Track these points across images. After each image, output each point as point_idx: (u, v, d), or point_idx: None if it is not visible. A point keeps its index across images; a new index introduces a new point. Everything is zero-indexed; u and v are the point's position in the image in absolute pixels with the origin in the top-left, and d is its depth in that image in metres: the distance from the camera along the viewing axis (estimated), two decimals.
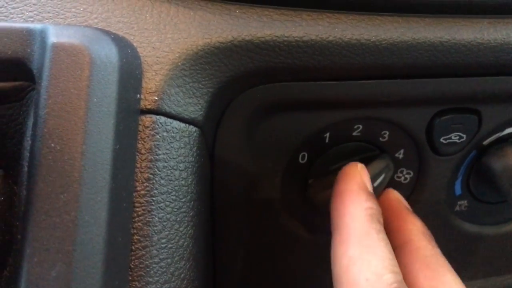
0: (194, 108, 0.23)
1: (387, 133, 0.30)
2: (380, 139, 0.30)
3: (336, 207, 0.25)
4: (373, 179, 0.29)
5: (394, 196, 0.30)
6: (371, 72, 0.25)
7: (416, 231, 0.26)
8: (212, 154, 0.27)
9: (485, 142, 0.31)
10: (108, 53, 0.19)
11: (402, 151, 0.31)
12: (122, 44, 0.20)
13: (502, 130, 0.31)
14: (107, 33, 0.20)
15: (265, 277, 0.33)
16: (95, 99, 0.18)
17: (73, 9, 0.22)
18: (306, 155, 0.30)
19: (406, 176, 0.32)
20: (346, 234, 0.24)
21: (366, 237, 0.23)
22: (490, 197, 0.34)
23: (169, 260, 0.21)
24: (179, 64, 0.22)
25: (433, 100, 0.28)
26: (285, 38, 0.23)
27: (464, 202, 0.34)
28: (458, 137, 0.29)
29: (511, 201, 0.32)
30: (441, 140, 0.29)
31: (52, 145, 0.17)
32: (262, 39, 0.23)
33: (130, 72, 0.20)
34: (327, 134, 0.29)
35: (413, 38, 0.24)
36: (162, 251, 0.20)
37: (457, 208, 0.34)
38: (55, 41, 0.18)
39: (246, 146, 0.28)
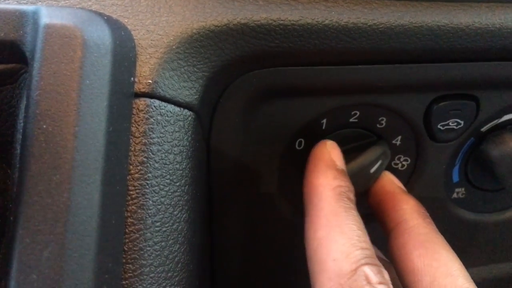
0: (189, 92, 0.22)
1: (385, 119, 0.29)
2: (378, 125, 0.30)
3: (305, 189, 0.25)
4: (369, 165, 0.29)
5: (387, 177, 0.29)
6: (368, 57, 0.25)
7: (409, 210, 0.26)
8: (208, 139, 0.27)
9: (483, 129, 0.31)
10: (101, 35, 0.19)
11: (399, 137, 0.30)
12: (115, 26, 0.20)
13: (500, 116, 0.31)
14: (101, 15, 0.20)
15: (262, 263, 0.33)
16: (87, 81, 0.18)
17: None
18: (303, 141, 0.29)
19: (404, 163, 0.31)
20: (315, 215, 0.23)
21: (333, 216, 0.23)
22: (488, 185, 0.34)
23: (163, 243, 0.21)
24: (174, 47, 0.22)
25: (430, 86, 0.28)
26: (281, 22, 0.23)
27: (461, 190, 0.33)
28: (455, 124, 0.29)
29: (509, 189, 0.32)
30: (439, 126, 0.29)
31: (44, 126, 0.17)
32: (257, 22, 0.23)
33: (124, 54, 0.20)
34: (324, 120, 0.29)
35: (410, 22, 0.24)
36: (156, 234, 0.20)
37: (455, 195, 0.34)
38: (47, 23, 0.18)
39: (242, 131, 0.28)
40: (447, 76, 0.27)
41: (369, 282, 0.21)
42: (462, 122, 0.29)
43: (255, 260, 0.33)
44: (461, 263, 0.24)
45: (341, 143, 0.30)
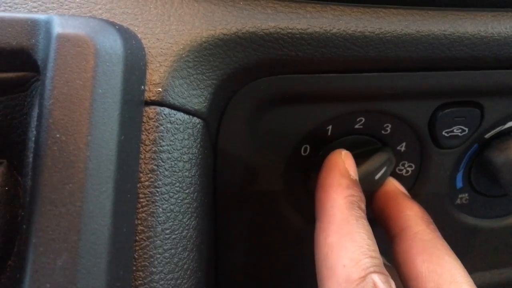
0: (198, 100, 0.23)
1: (389, 126, 0.30)
2: (382, 132, 0.30)
3: (318, 195, 0.26)
4: (375, 171, 0.29)
5: (392, 183, 0.30)
6: (375, 65, 0.25)
7: (413, 216, 0.27)
8: (215, 146, 0.27)
9: (487, 136, 0.31)
10: (113, 44, 0.19)
11: (404, 144, 0.31)
12: (126, 35, 0.20)
13: (504, 123, 0.31)
14: (112, 24, 0.20)
15: (267, 268, 0.33)
16: (100, 90, 0.18)
17: (77, 0, 0.22)
18: (309, 147, 0.30)
19: (408, 169, 0.32)
20: (327, 222, 0.24)
21: (345, 224, 0.23)
22: (491, 191, 0.34)
23: (172, 250, 0.21)
24: (183, 55, 0.22)
25: (435, 93, 0.28)
26: (289, 30, 0.23)
27: (465, 195, 0.34)
28: (460, 131, 0.29)
29: None
30: (443, 133, 0.29)
31: (58, 135, 0.17)
32: (266, 31, 0.23)
33: (135, 63, 0.20)
34: (330, 127, 0.29)
35: (417, 31, 0.24)
36: (166, 241, 0.21)
37: (458, 201, 0.34)
38: (60, 32, 0.18)
39: (249, 138, 0.28)
40: (452, 83, 0.27)
41: None
42: (466, 129, 0.29)
43: (259, 266, 0.33)
44: (465, 270, 0.24)
45: (346, 150, 0.30)
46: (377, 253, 0.23)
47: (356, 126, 0.30)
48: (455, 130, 0.29)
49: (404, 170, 0.32)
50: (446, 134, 0.29)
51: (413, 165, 0.32)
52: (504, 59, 0.26)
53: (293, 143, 0.29)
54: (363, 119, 0.29)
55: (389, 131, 0.30)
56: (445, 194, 0.33)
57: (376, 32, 0.24)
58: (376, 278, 0.21)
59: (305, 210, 0.32)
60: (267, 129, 0.28)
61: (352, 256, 0.22)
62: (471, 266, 0.37)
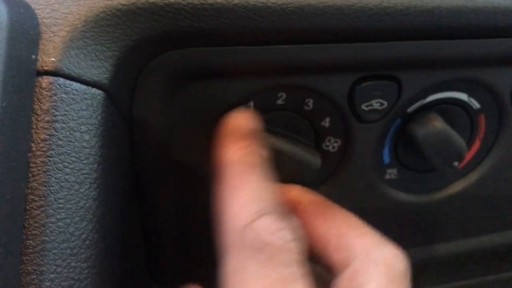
0: (98, 71, 0.23)
1: (311, 101, 0.30)
2: (305, 107, 0.30)
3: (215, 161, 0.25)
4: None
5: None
6: (283, 37, 0.25)
7: (303, 192, 0.27)
8: (130, 121, 0.27)
9: (409, 110, 0.32)
10: None
11: (327, 119, 0.31)
12: (13, 3, 0.20)
13: (425, 97, 0.31)
14: None
15: (199, 241, 0.33)
16: None
17: None
18: None
19: (334, 144, 0.32)
20: (222, 182, 0.24)
21: (236, 178, 0.23)
22: (419, 165, 0.34)
23: (67, 220, 0.21)
24: (79, 25, 0.22)
25: (352, 66, 0.28)
26: (189, 1, 0.23)
27: (393, 171, 0.34)
28: (379, 104, 0.30)
29: (438, 169, 0.33)
30: (363, 107, 0.30)
31: None
32: (165, 1, 0.23)
33: (23, 31, 0.20)
34: (251, 103, 0.29)
35: (319, 2, 0.24)
36: (60, 211, 0.21)
37: (387, 176, 0.34)
38: None
39: (166, 114, 0.28)
40: (367, 56, 0.28)
41: (265, 231, 0.21)
42: (385, 103, 0.30)
43: (190, 240, 0.33)
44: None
45: (270, 126, 0.30)
46: (268, 195, 0.22)
47: (278, 102, 0.30)
48: (374, 104, 0.30)
49: (331, 146, 0.32)
50: (365, 108, 0.30)
51: (339, 141, 0.32)
52: (412, 30, 0.26)
53: (214, 120, 0.29)
54: (284, 94, 0.29)
55: (311, 106, 0.30)
56: (373, 169, 0.33)
57: (278, 3, 0.24)
58: (264, 220, 0.21)
59: None
60: (186, 105, 0.28)
61: (239, 205, 0.22)
62: (405, 241, 0.38)
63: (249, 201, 0.22)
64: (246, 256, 0.21)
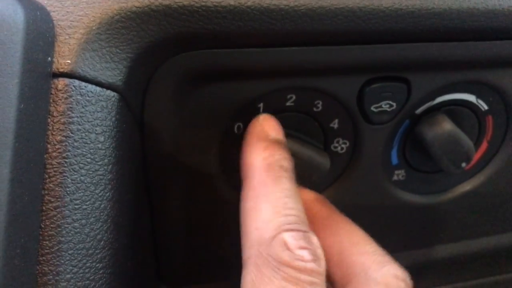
0: (112, 73, 0.23)
1: (320, 102, 0.30)
2: (314, 109, 0.30)
3: (240, 164, 0.26)
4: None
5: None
6: (294, 39, 0.26)
7: (313, 200, 0.27)
8: (142, 122, 0.27)
9: (418, 111, 0.32)
10: (13, 13, 0.19)
11: (336, 120, 0.31)
12: (30, 6, 0.20)
13: (433, 98, 0.31)
14: None
15: (206, 243, 0.34)
16: None
17: None
18: (242, 125, 0.30)
19: (343, 146, 0.32)
20: (246, 188, 0.24)
21: (262, 187, 0.23)
22: (427, 166, 0.34)
23: (83, 221, 0.21)
24: (94, 28, 0.22)
25: (361, 68, 0.28)
26: (203, 3, 0.23)
27: (401, 172, 0.34)
28: (388, 106, 0.30)
29: (446, 170, 0.33)
30: (372, 108, 0.30)
31: None
32: (179, 3, 0.23)
33: (39, 34, 0.20)
34: (261, 104, 0.29)
35: (331, 4, 0.24)
36: (76, 212, 0.21)
37: (395, 177, 0.34)
38: None
39: (177, 115, 0.28)
40: (377, 58, 0.28)
41: (287, 248, 0.21)
42: (394, 104, 0.30)
43: (198, 241, 0.33)
44: (364, 233, 0.25)
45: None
46: (295, 210, 0.22)
47: (288, 103, 0.30)
48: (383, 105, 0.30)
49: (339, 147, 0.32)
50: (375, 110, 0.30)
51: (347, 142, 0.32)
52: (422, 32, 0.26)
53: (224, 121, 0.29)
54: (294, 96, 0.30)
55: (320, 108, 0.30)
56: (381, 170, 0.33)
57: (290, 5, 0.24)
58: (287, 235, 0.21)
59: (240, 188, 0.32)
60: (196, 107, 0.28)
61: (264, 217, 0.22)
62: (410, 242, 0.38)
63: (274, 213, 0.22)
64: (267, 271, 0.21)
